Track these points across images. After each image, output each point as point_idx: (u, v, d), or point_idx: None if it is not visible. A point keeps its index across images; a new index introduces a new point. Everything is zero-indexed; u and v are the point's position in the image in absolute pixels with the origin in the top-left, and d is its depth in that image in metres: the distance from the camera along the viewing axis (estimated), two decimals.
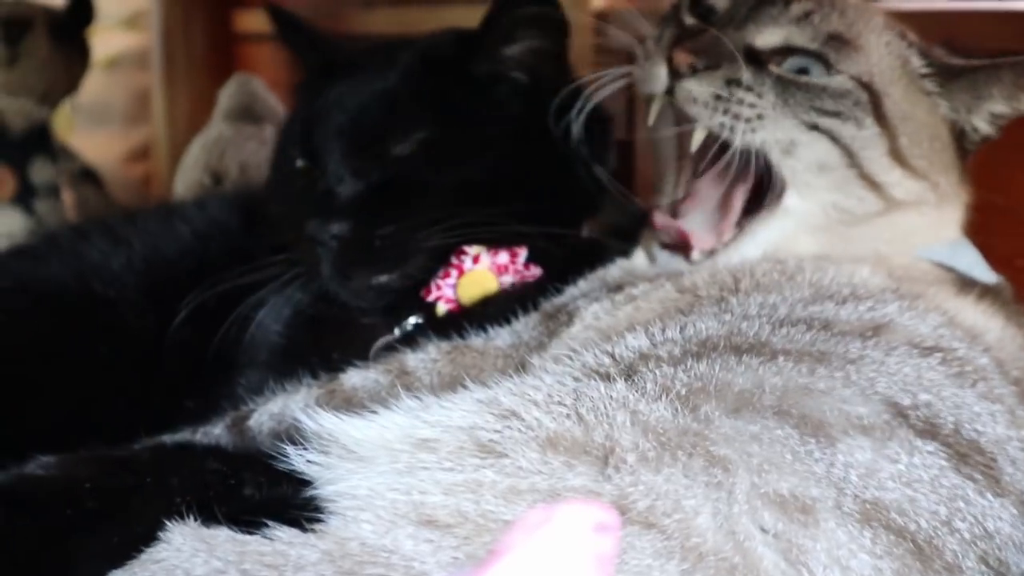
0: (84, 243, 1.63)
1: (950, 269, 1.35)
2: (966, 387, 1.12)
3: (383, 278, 1.44)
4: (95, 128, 3.63)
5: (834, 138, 1.28)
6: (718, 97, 1.25)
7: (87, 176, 3.17)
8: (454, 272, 1.45)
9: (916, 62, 1.35)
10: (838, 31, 1.31)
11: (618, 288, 1.32)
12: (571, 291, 1.37)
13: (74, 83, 3.18)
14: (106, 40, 3.56)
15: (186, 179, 2.67)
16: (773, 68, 1.29)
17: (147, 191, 3.65)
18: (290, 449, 1.07)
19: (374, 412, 1.07)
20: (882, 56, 1.32)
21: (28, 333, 1.53)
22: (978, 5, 2.21)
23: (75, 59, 3.16)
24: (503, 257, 1.45)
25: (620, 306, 1.28)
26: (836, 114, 1.28)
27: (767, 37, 1.30)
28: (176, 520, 1.00)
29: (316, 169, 1.48)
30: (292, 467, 1.06)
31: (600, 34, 2.63)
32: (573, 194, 1.49)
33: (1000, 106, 1.35)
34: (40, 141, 3.08)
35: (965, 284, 1.33)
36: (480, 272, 1.45)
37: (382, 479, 1.01)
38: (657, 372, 1.08)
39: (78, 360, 1.52)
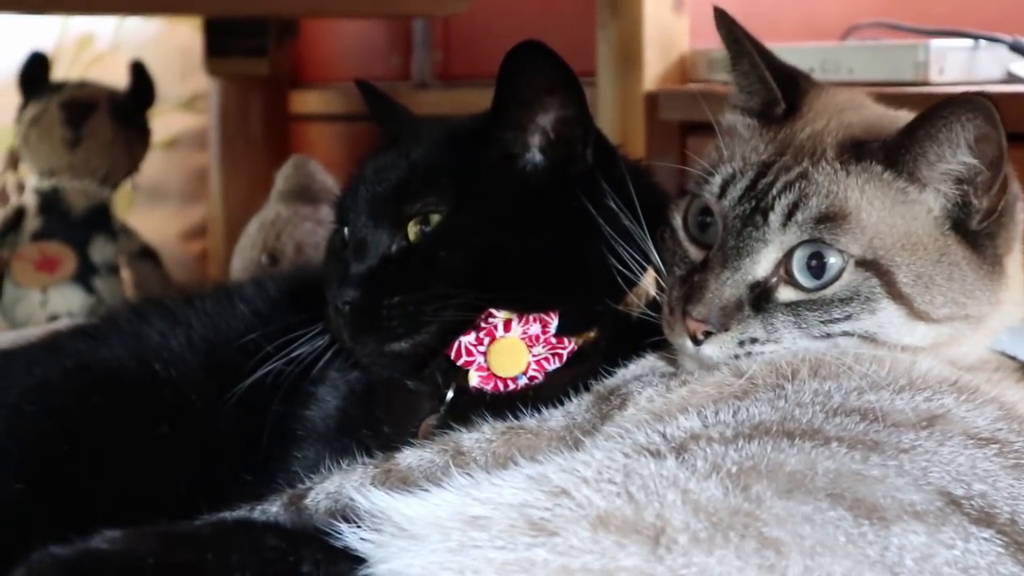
0: (144, 324, 1.66)
1: (1013, 358, 1.35)
2: (1023, 478, 1.11)
3: (394, 346, 1.46)
4: (153, 206, 3.69)
5: (849, 334, 1.29)
6: (737, 356, 1.30)
7: (146, 254, 3.22)
8: (485, 338, 1.45)
9: (878, 168, 1.30)
10: (824, 210, 1.29)
11: (671, 373, 1.34)
12: (623, 373, 1.38)
13: (135, 163, 3.25)
14: (165, 121, 3.64)
15: (243, 258, 2.71)
16: (780, 295, 1.30)
17: (203, 269, 3.70)
18: (344, 527, 1.09)
19: (426, 490, 1.08)
20: (871, 201, 1.29)
21: (90, 411, 1.56)
22: None
23: (136, 140, 3.24)
24: (534, 328, 1.45)
25: (674, 390, 1.29)
26: (847, 317, 1.28)
27: (764, 264, 1.30)
28: None
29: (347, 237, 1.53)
30: (348, 544, 1.08)
31: (651, 113, 2.68)
32: (602, 266, 1.44)
33: (949, 163, 1.28)
34: (101, 220, 3.15)
35: None
36: (511, 340, 1.45)
37: (434, 557, 1.02)
38: (708, 450, 1.09)
39: (139, 438, 1.54)
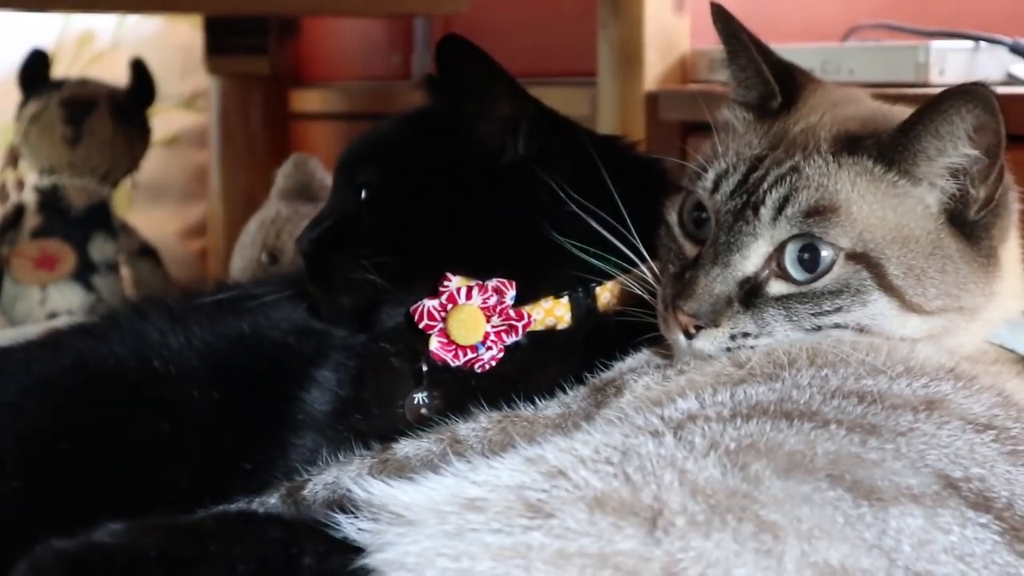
0: (143, 322, 1.66)
1: (1011, 351, 1.35)
2: (1019, 465, 1.11)
3: (337, 299, 1.56)
4: (153, 205, 3.70)
5: (841, 326, 1.29)
6: (728, 348, 1.31)
7: (145, 253, 3.22)
8: (448, 303, 1.48)
9: (870, 163, 1.30)
10: (814, 204, 1.29)
11: (667, 365, 1.34)
12: (618, 366, 1.38)
13: (135, 162, 3.25)
14: (166, 119, 3.64)
15: (243, 257, 2.71)
16: (771, 289, 1.30)
17: (203, 267, 3.70)
18: (341, 517, 1.09)
19: (424, 477, 1.09)
20: (863, 194, 1.29)
21: (89, 409, 1.56)
22: None
23: (136, 138, 3.24)
24: (493, 298, 1.48)
25: (671, 379, 1.30)
26: (837, 310, 1.29)
27: (754, 259, 1.30)
28: None
29: None
30: (346, 535, 1.08)
31: (652, 113, 2.68)
32: (525, 246, 1.49)
33: (950, 157, 1.28)
34: (101, 219, 3.15)
35: None
36: (471, 308, 1.47)
37: (431, 543, 1.01)
38: (706, 428, 1.09)
39: (139, 435, 1.54)
